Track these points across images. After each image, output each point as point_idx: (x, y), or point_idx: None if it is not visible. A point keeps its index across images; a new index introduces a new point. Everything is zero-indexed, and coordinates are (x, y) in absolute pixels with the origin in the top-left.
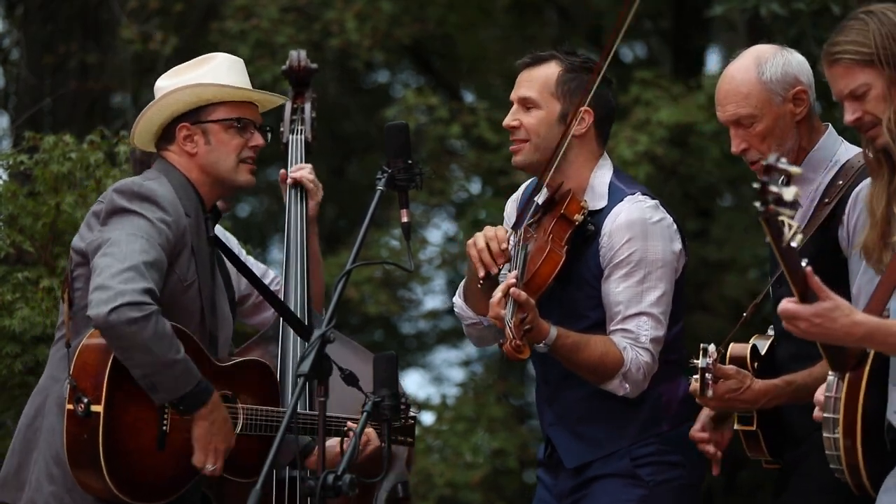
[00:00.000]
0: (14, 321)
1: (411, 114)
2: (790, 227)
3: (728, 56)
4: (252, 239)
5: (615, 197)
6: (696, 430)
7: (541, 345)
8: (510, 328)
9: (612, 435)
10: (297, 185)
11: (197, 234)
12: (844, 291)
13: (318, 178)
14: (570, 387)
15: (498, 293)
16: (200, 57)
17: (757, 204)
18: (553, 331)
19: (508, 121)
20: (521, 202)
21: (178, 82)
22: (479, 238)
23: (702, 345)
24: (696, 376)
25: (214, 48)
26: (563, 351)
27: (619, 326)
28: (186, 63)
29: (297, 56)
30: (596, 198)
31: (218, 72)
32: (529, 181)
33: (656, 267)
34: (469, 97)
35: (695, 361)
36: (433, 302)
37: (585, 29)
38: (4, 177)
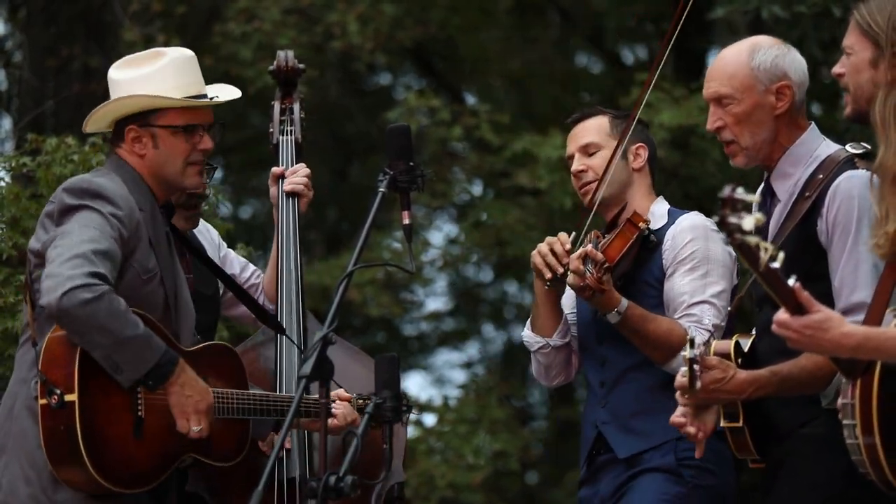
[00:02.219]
0: (17, 323)
1: (413, 116)
2: (765, 249)
3: None
4: (254, 240)
5: (674, 215)
6: (676, 416)
7: (613, 312)
8: (591, 271)
9: (662, 427)
10: (293, 193)
11: (154, 227)
12: (825, 285)
13: (320, 180)
14: (625, 384)
15: (579, 250)
16: (154, 50)
17: (722, 236)
18: (625, 301)
19: (576, 167)
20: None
21: (130, 77)
22: (542, 246)
23: (688, 335)
24: (684, 370)
25: (216, 50)
26: (632, 321)
27: (683, 313)
28: (141, 54)
29: (285, 56)
30: (656, 219)
31: (168, 71)
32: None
33: (718, 265)
34: (471, 99)
35: (683, 353)
36: (435, 303)
37: (587, 30)
38: (7, 179)
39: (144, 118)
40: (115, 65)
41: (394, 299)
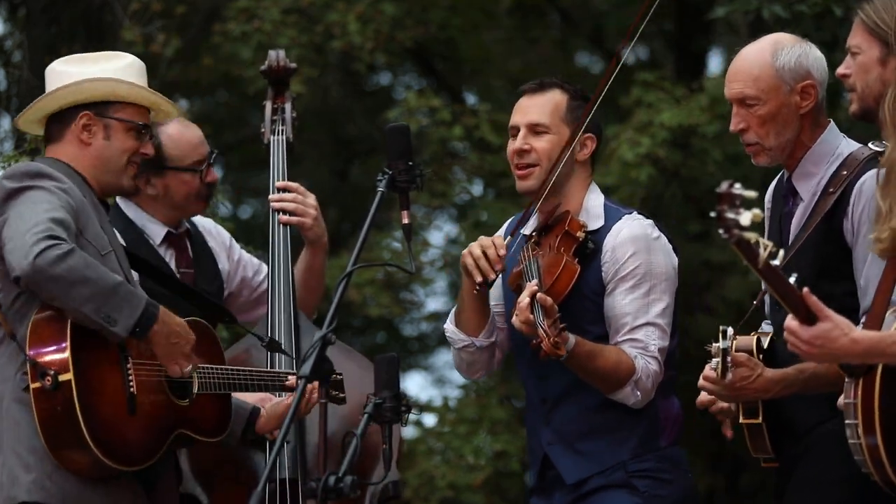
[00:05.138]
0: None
1: (413, 116)
2: (765, 246)
3: (730, 58)
4: (254, 240)
5: (612, 217)
6: (702, 399)
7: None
8: (544, 329)
9: (611, 449)
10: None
11: (97, 214)
12: (849, 282)
13: (320, 180)
14: (568, 404)
15: (525, 298)
16: (107, 52)
17: (720, 231)
18: (572, 338)
19: (519, 145)
20: (509, 232)
21: (86, 72)
22: (475, 247)
23: (721, 327)
24: (716, 360)
25: (216, 50)
26: (580, 359)
27: (627, 337)
28: (92, 54)
29: (276, 56)
30: (591, 218)
31: (130, 72)
32: (511, 219)
33: (661, 280)
34: (471, 99)
35: (714, 344)
36: (435, 304)
37: (587, 31)
38: None
39: (102, 108)
40: (60, 60)
41: (394, 299)
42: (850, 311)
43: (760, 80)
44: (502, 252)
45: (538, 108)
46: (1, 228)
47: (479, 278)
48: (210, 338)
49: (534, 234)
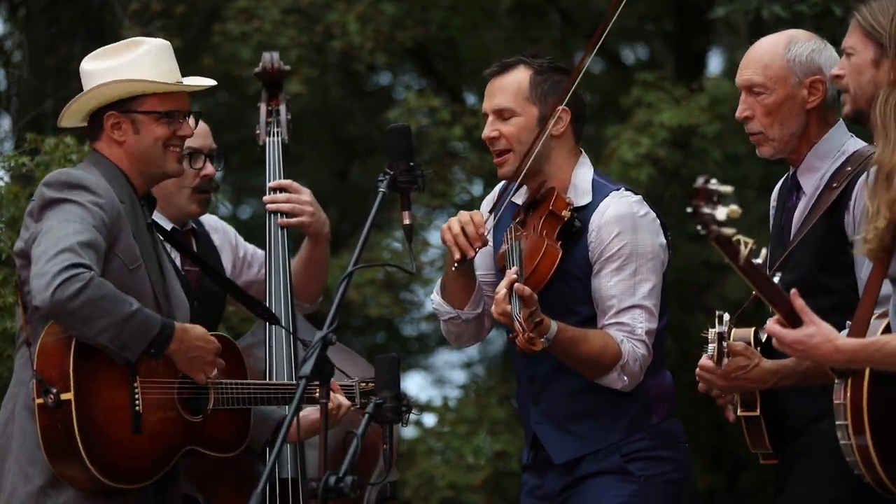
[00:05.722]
0: (16, 323)
1: (413, 116)
2: (745, 244)
3: (730, 58)
4: (254, 240)
5: (599, 193)
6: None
7: (542, 339)
8: (520, 322)
9: (602, 431)
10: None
11: (134, 219)
12: (850, 276)
13: (320, 180)
14: (558, 384)
15: (502, 289)
16: (129, 40)
17: (698, 228)
18: (554, 325)
19: (487, 132)
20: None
21: (106, 67)
22: (454, 222)
23: (717, 312)
24: (712, 346)
25: (216, 50)
26: (563, 345)
27: (613, 320)
28: (114, 45)
29: (270, 58)
30: (579, 195)
31: (147, 59)
32: (501, 184)
33: (647, 259)
34: (471, 99)
35: (711, 330)
36: None
37: (587, 31)
38: (6, 179)
39: (125, 105)
40: (87, 57)
41: (394, 299)
42: (850, 304)
43: (770, 68)
44: (481, 231)
45: (501, 91)
46: (35, 238)
47: (457, 255)
48: (232, 352)
49: (520, 210)
